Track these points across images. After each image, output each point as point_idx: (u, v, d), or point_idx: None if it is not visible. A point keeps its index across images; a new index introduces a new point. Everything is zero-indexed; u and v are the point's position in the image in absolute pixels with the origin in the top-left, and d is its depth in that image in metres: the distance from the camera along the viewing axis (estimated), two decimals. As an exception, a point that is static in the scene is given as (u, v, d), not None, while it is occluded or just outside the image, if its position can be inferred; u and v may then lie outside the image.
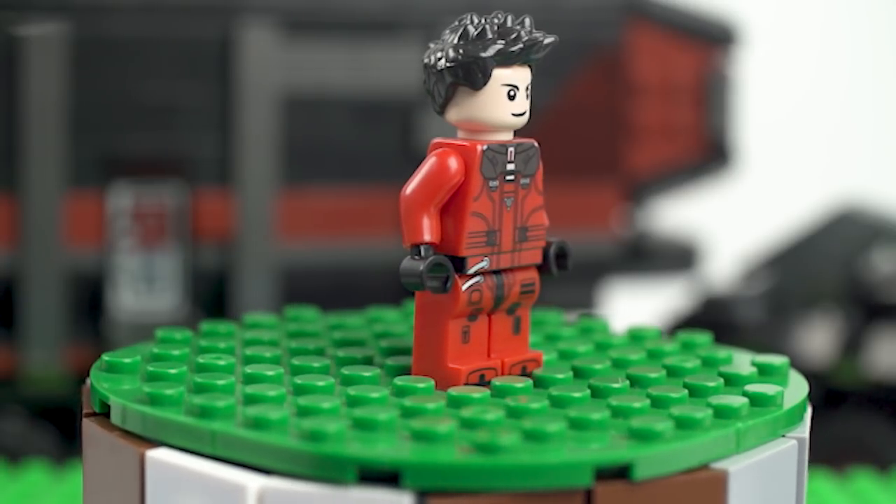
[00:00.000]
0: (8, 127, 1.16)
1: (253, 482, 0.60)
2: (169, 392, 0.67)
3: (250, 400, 0.66)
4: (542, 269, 0.72)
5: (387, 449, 0.60)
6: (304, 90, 1.22)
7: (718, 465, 0.63)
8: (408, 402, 0.65)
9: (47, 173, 1.17)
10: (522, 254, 0.71)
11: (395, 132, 1.23)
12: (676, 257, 1.38)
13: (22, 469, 1.12)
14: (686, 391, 0.67)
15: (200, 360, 0.72)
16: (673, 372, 0.72)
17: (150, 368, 0.71)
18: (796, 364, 1.35)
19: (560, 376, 0.70)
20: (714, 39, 1.35)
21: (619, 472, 0.60)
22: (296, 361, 0.72)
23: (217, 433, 0.63)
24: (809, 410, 0.71)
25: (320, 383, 0.68)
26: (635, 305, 1.42)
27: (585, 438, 0.62)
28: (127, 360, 0.72)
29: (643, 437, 0.62)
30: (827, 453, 1.28)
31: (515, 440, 0.61)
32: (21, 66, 1.16)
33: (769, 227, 1.52)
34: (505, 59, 0.68)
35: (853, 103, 2.05)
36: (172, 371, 0.70)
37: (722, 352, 0.75)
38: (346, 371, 0.70)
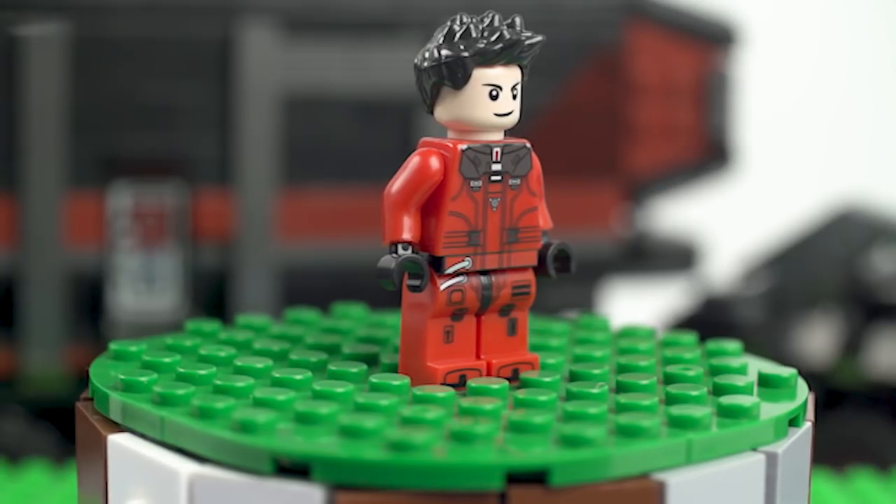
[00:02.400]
0: (8, 127, 1.16)
1: (185, 469, 0.62)
2: (142, 379, 0.68)
3: (217, 390, 0.67)
4: (539, 270, 0.72)
5: (301, 443, 0.61)
6: (304, 90, 1.22)
7: (659, 476, 0.62)
8: (361, 399, 0.65)
9: (47, 173, 1.17)
10: (513, 255, 0.70)
11: (395, 132, 1.23)
12: (676, 257, 1.38)
13: (22, 469, 1.12)
14: (655, 399, 0.66)
15: (202, 351, 0.73)
16: (669, 379, 0.71)
17: (146, 358, 0.72)
18: (796, 364, 1.35)
19: (547, 380, 0.69)
20: (714, 39, 1.35)
21: (540, 477, 0.60)
22: (294, 356, 0.72)
23: (165, 420, 0.64)
24: (807, 425, 0.69)
25: (298, 377, 0.68)
26: (635, 305, 1.42)
27: (518, 441, 0.62)
28: (133, 349, 0.74)
29: (571, 442, 0.61)
30: (827, 453, 1.28)
31: (431, 439, 0.61)
32: (21, 66, 1.16)
33: (769, 227, 1.52)
34: (485, 59, 0.68)
35: (853, 103, 2.05)
36: (167, 360, 0.72)
37: (737, 361, 0.74)
38: (333, 367, 0.70)
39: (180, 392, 0.66)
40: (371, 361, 0.73)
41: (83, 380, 1.17)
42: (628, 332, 0.80)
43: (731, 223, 1.61)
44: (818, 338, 1.37)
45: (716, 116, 1.36)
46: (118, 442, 0.66)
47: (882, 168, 1.93)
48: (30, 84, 1.16)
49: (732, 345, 0.78)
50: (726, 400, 0.66)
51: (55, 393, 1.18)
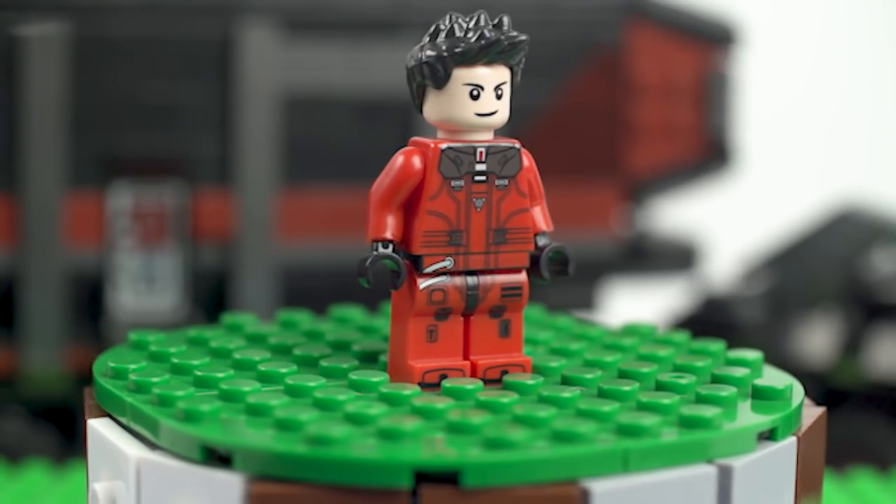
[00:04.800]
0: (8, 127, 1.16)
1: (134, 453, 0.65)
2: (131, 366, 0.71)
3: (197, 381, 0.69)
4: (533, 272, 0.71)
5: (226, 433, 0.62)
6: (304, 90, 1.22)
7: (586, 483, 0.61)
8: (320, 394, 0.66)
9: (47, 173, 1.17)
10: (500, 256, 0.70)
11: (395, 132, 1.23)
12: (676, 257, 1.38)
13: (22, 469, 1.12)
14: (618, 405, 0.65)
15: (213, 344, 0.75)
16: (658, 387, 0.70)
17: (153, 348, 0.74)
18: (796, 364, 1.35)
19: (530, 382, 0.69)
20: (714, 39, 1.35)
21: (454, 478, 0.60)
22: (299, 352, 0.73)
23: (128, 406, 0.67)
24: (789, 441, 0.67)
25: (283, 370, 0.70)
26: (635, 305, 1.42)
27: (453, 442, 0.62)
28: (150, 338, 0.76)
29: (492, 444, 0.61)
30: (827, 453, 1.28)
31: (351, 434, 0.61)
32: (21, 66, 1.16)
33: (769, 227, 1.52)
34: (464, 58, 0.68)
35: (853, 103, 2.05)
36: (172, 350, 0.73)
37: (742, 371, 0.72)
38: (325, 363, 0.71)
39: (154, 380, 0.68)
40: (373, 359, 0.73)
41: (83, 380, 1.17)
42: (661, 340, 0.79)
43: (731, 223, 1.61)
44: (818, 338, 1.37)
45: (716, 116, 1.36)
46: (94, 426, 0.69)
47: (882, 168, 1.93)
48: (30, 84, 1.16)
49: (753, 355, 0.76)
50: (688, 410, 0.65)
51: (55, 393, 1.18)
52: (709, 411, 0.65)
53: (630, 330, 0.81)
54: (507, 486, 0.60)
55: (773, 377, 0.73)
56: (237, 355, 0.72)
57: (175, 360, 0.71)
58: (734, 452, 0.65)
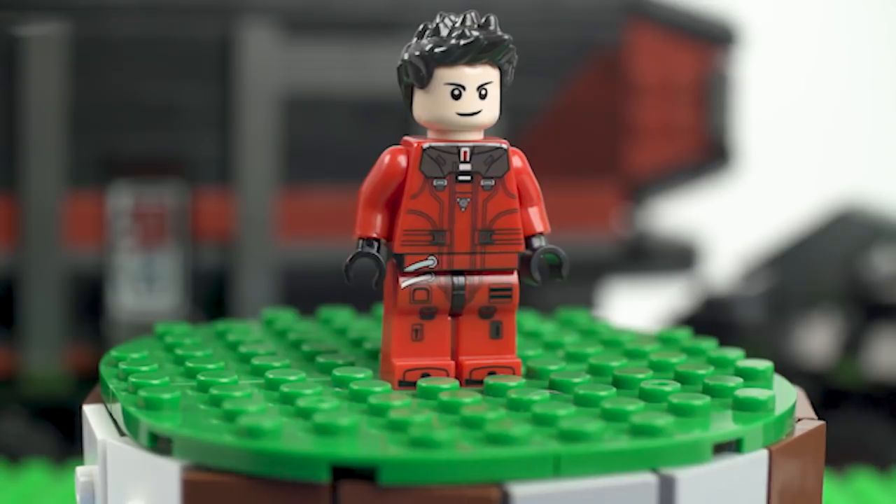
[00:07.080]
0: (8, 127, 1.16)
1: (101, 436, 0.66)
2: (134, 356, 0.71)
3: (187, 373, 0.70)
4: (524, 274, 0.71)
5: (171, 422, 0.63)
6: (304, 90, 1.22)
7: (508, 486, 0.59)
8: (286, 388, 0.66)
9: (47, 173, 1.17)
10: (487, 257, 0.70)
11: (395, 132, 1.23)
12: (676, 257, 1.38)
13: (22, 469, 1.12)
14: (574, 409, 0.64)
15: (230, 337, 0.75)
16: (642, 394, 0.68)
17: (168, 340, 0.75)
18: (796, 364, 1.35)
19: (509, 384, 0.68)
20: (714, 39, 1.35)
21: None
22: (306, 348, 0.73)
23: (110, 392, 0.68)
24: (763, 454, 0.64)
25: (276, 364, 0.70)
26: (635, 305, 1.42)
27: (392, 439, 0.61)
28: (176, 330, 0.77)
29: (417, 443, 0.61)
30: (827, 453, 1.28)
31: (279, 426, 0.61)
32: (21, 66, 1.16)
33: (769, 227, 1.52)
34: (444, 58, 0.68)
35: (853, 103, 2.05)
36: (187, 341, 0.74)
37: (733, 380, 0.69)
38: (321, 359, 0.71)
39: (143, 369, 0.69)
40: (375, 357, 0.73)
41: (83, 380, 1.17)
42: (685, 348, 0.77)
43: (731, 223, 1.61)
44: (818, 338, 1.37)
45: (716, 116, 1.36)
46: (85, 411, 0.70)
47: (882, 168, 1.93)
48: (30, 84, 1.16)
49: (763, 365, 0.73)
50: (641, 418, 0.63)
51: (55, 393, 1.18)
52: (661, 419, 0.62)
53: (661, 336, 0.79)
54: (425, 484, 0.59)
55: (771, 388, 0.71)
56: (242, 349, 0.73)
57: (179, 352, 0.72)
58: (684, 463, 0.62)
